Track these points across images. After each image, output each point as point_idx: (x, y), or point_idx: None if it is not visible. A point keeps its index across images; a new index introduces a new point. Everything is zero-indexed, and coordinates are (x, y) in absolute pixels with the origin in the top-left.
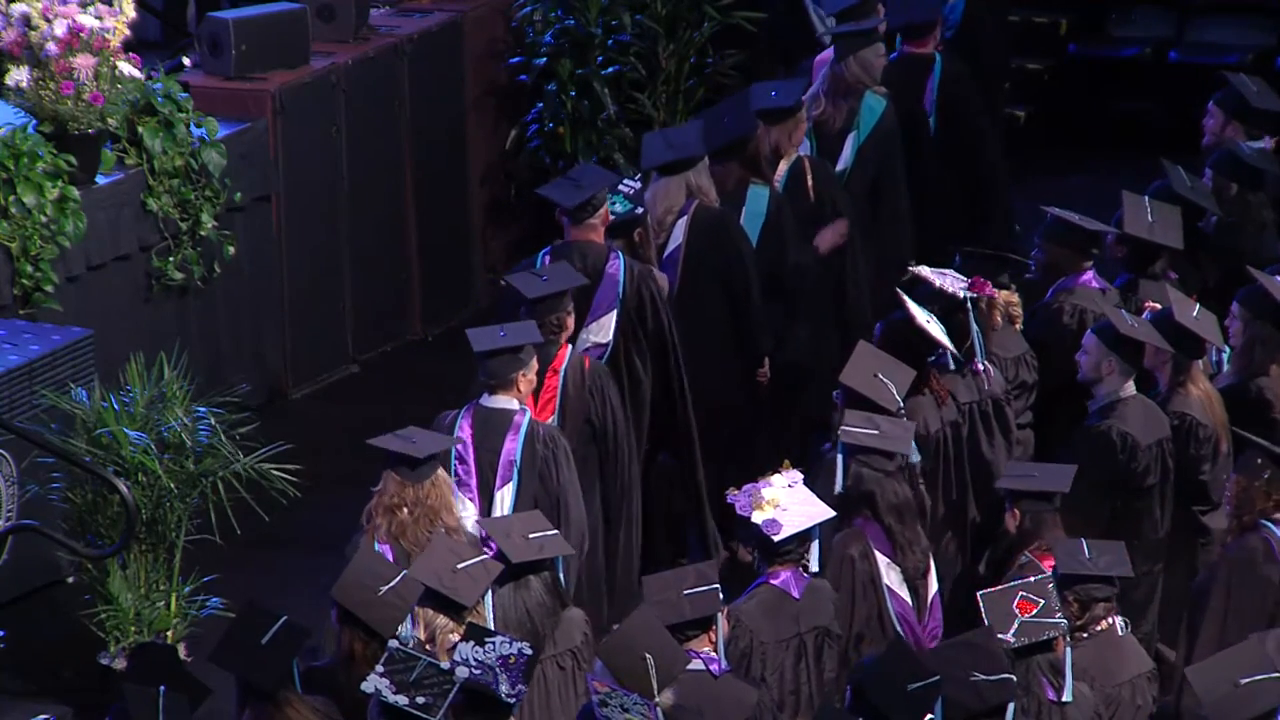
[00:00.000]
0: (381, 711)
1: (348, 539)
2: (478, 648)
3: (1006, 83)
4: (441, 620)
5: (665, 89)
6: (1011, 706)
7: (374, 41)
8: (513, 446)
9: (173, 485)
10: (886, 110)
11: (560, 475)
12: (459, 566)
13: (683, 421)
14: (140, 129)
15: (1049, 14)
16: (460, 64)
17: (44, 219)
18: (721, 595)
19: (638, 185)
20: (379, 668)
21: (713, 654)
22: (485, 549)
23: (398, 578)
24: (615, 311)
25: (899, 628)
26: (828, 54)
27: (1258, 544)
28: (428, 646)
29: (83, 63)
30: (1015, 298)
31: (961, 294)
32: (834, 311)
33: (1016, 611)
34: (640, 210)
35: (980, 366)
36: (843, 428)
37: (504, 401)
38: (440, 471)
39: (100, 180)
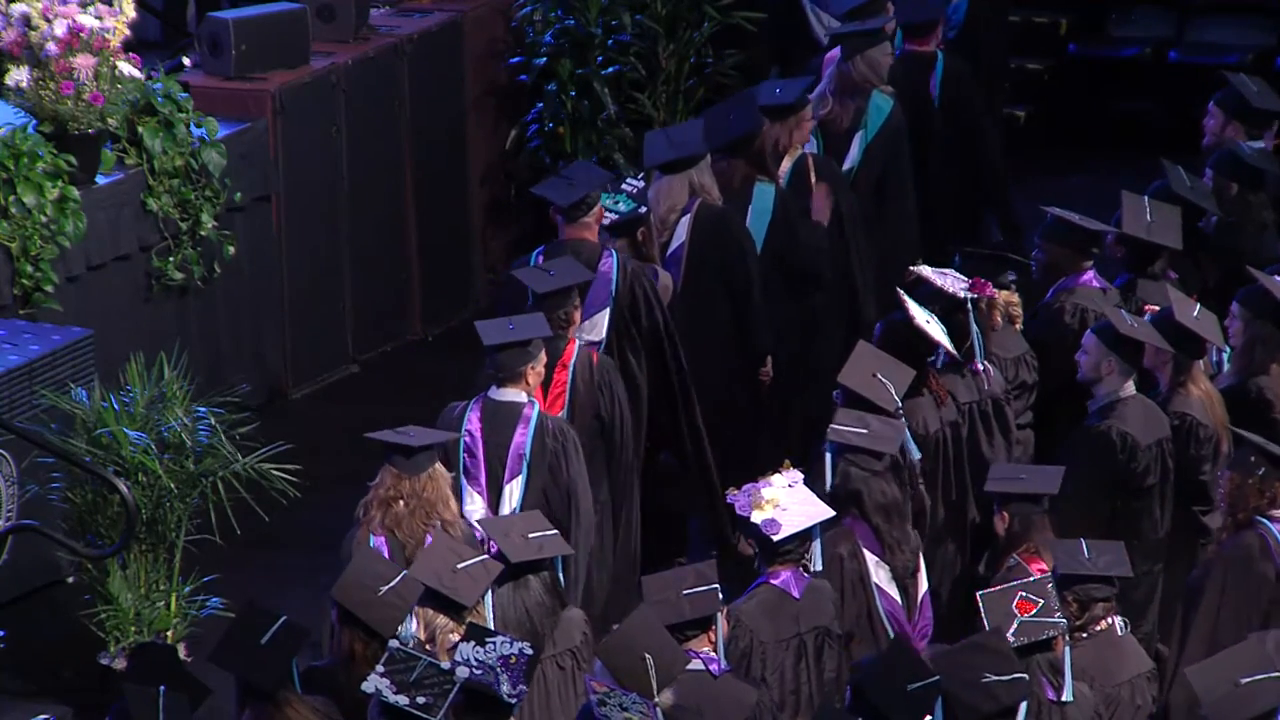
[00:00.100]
0: (382, 711)
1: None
2: (478, 648)
3: (1006, 83)
4: (441, 620)
5: (665, 89)
6: (1024, 705)
7: (374, 41)
8: (522, 439)
9: (173, 485)
10: (894, 109)
11: (570, 468)
12: (459, 566)
13: (685, 419)
14: (140, 129)
15: (1049, 14)
16: (460, 64)
17: (44, 219)
18: (721, 595)
19: (641, 184)
20: (379, 668)
21: (712, 654)
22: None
23: (398, 578)
24: (608, 309)
25: (888, 626)
26: (835, 53)
27: (1253, 540)
28: (428, 646)
29: (83, 63)
30: (1015, 298)
31: (962, 294)
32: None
33: (1016, 611)
34: (643, 209)
35: (980, 366)
36: (831, 426)
37: (512, 394)
38: (438, 465)
39: (100, 180)
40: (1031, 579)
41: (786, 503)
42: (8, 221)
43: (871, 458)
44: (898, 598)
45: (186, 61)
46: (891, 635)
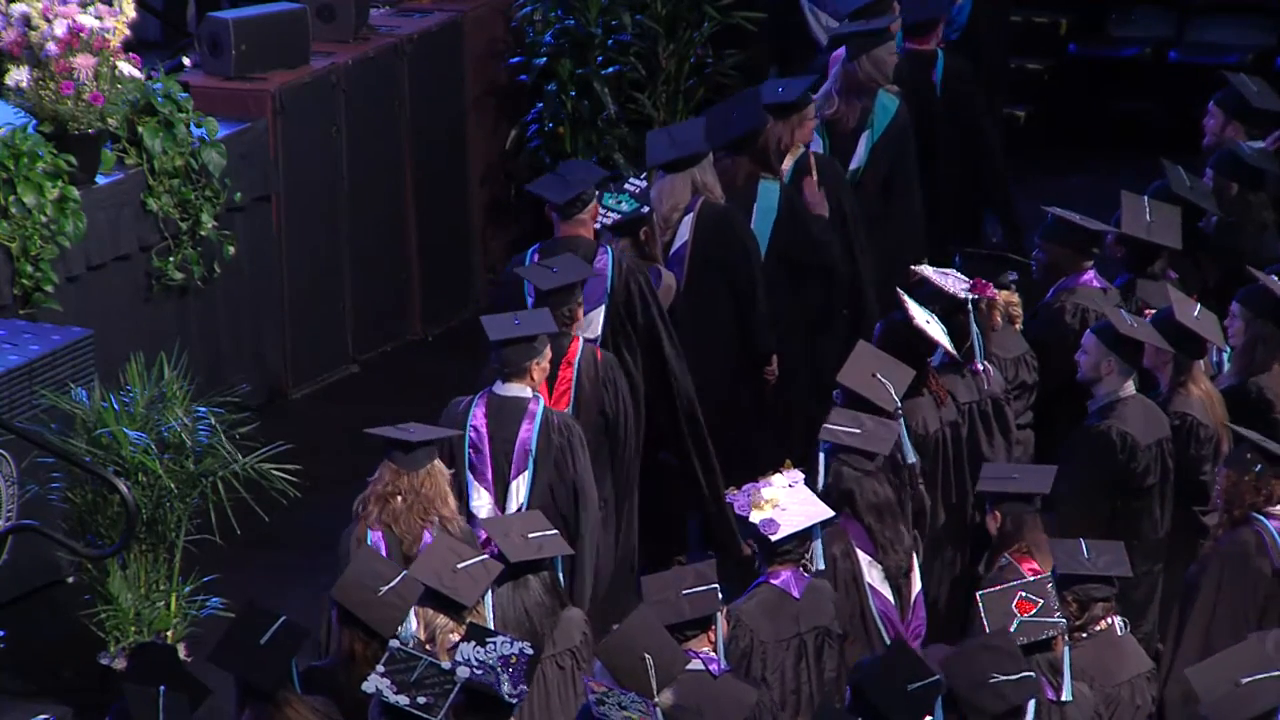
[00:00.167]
0: (382, 711)
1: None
2: (479, 648)
3: (1006, 83)
4: (441, 620)
5: (665, 89)
6: (1032, 704)
7: (374, 41)
8: (528, 435)
9: (173, 485)
10: (900, 109)
11: (577, 463)
12: (459, 566)
13: (686, 418)
14: (140, 129)
15: (1049, 14)
16: (460, 64)
17: (44, 219)
18: (720, 595)
19: (643, 184)
20: (380, 668)
21: (712, 654)
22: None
23: (398, 578)
24: (603, 306)
25: (881, 626)
26: (840, 52)
27: (1249, 537)
28: (428, 646)
29: (83, 63)
30: (1015, 298)
31: (963, 294)
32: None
33: (1015, 611)
34: (646, 209)
35: (980, 366)
36: (825, 426)
37: (517, 389)
38: (437, 462)
39: (100, 180)
40: (1032, 579)
41: (786, 503)
42: (8, 221)
43: (864, 458)
44: (891, 597)
45: (186, 61)
46: (884, 635)
